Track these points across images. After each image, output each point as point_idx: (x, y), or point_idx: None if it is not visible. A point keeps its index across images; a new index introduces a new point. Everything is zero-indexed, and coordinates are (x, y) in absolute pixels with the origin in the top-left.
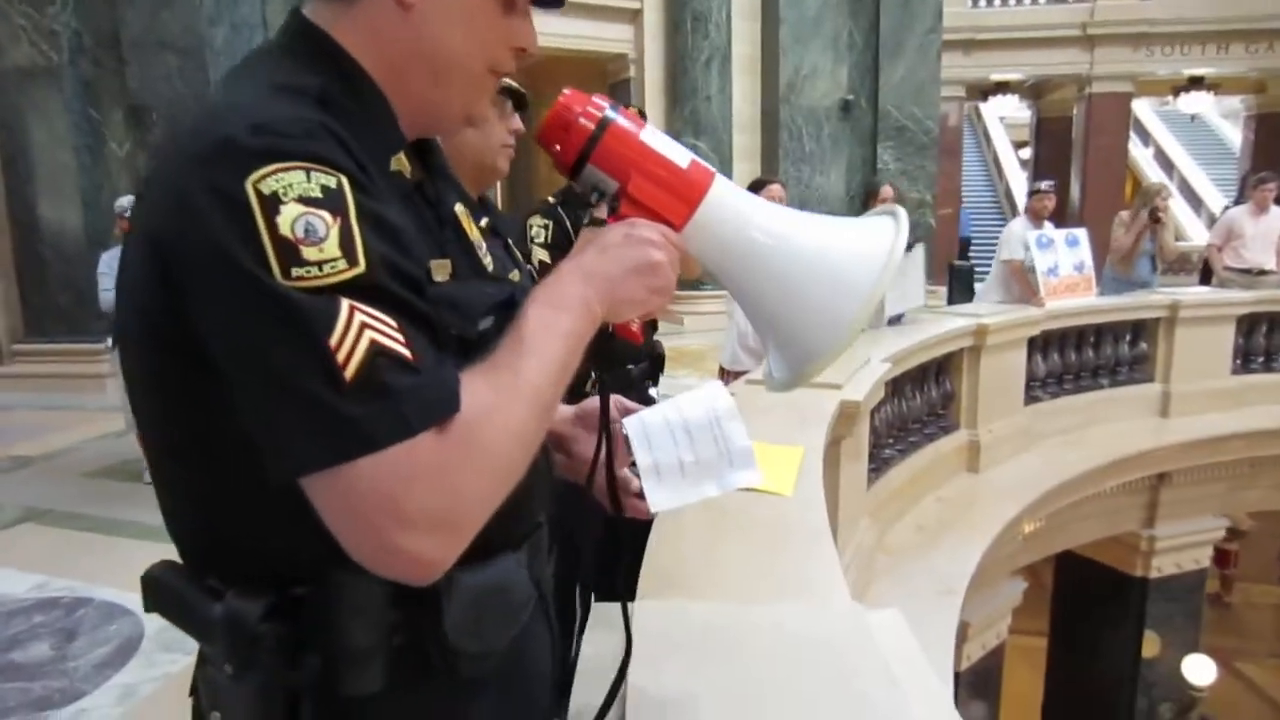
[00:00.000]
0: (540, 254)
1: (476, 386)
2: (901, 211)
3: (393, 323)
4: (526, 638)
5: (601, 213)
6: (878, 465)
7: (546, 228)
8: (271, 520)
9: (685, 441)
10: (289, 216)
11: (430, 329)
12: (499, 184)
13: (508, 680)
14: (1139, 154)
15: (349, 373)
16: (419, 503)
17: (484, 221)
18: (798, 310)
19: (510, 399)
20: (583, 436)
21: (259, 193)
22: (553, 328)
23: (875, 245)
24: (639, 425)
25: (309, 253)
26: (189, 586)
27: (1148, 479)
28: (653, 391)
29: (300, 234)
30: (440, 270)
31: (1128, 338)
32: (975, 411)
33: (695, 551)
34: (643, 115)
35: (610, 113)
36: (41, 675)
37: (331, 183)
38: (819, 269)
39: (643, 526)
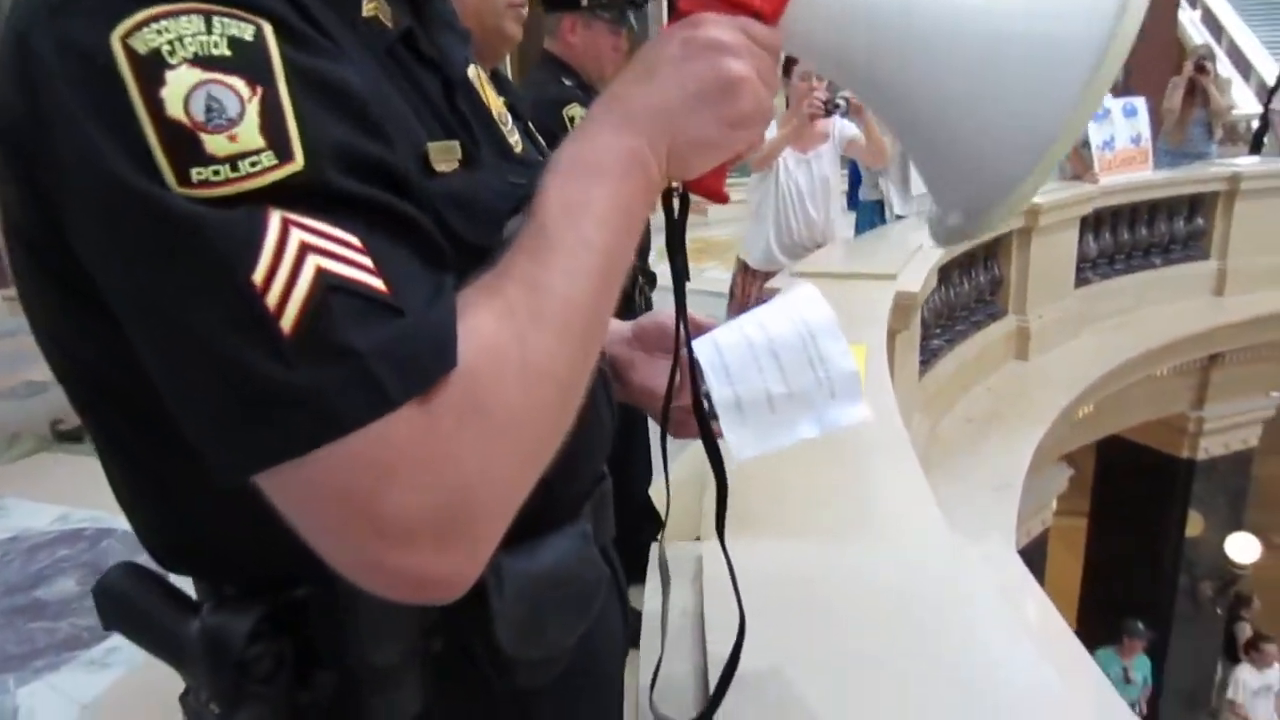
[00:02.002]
0: None
1: (478, 317)
2: None
3: (355, 240)
4: (597, 629)
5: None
6: (926, 357)
7: None
8: (245, 507)
9: (772, 368)
10: (180, 87)
11: (425, 242)
12: (509, 59)
13: (573, 689)
14: (1184, 17)
15: (286, 322)
16: (404, 503)
17: (500, 100)
18: (979, 116)
19: (530, 327)
20: (642, 360)
21: (130, 51)
22: (587, 206)
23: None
24: (712, 349)
25: (215, 143)
26: (154, 598)
27: (1199, 360)
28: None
29: (199, 114)
30: (444, 156)
31: (1184, 213)
32: (1024, 296)
33: (757, 474)
34: None
35: None
36: (68, 613)
37: (246, 33)
38: (1009, 48)
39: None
